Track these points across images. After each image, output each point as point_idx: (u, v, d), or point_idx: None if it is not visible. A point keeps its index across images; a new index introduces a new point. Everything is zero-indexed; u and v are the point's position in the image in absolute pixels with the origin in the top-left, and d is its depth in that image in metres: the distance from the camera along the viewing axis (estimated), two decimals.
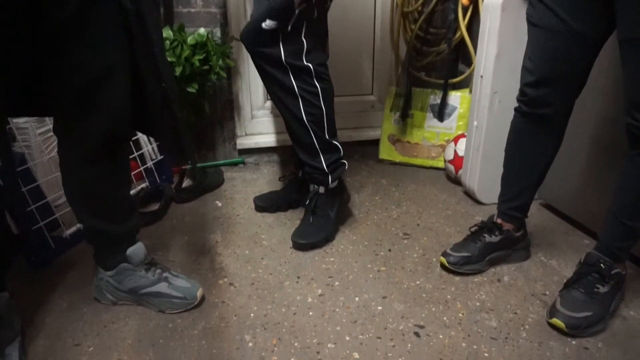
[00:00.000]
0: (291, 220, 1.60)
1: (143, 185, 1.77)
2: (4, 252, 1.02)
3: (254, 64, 1.35)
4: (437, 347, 1.03)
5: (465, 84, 2.03)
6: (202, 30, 1.67)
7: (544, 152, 1.22)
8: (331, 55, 1.47)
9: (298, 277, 1.28)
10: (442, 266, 1.31)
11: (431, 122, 2.05)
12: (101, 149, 0.99)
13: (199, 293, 1.14)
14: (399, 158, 2.11)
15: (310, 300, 1.19)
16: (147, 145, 1.80)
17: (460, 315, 1.13)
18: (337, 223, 1.53)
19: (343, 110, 2.12)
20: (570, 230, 1.54)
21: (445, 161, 1.95)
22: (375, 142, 2.16)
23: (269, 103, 2.11)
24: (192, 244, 1.46)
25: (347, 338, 1.05)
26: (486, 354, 1.01)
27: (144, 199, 1.68)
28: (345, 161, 1.49)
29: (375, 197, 1.79)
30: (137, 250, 1.12)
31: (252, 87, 2.06)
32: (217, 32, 1.87)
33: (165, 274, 1.15)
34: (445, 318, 1.12)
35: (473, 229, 1.35)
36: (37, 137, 1.44)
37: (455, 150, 1.86)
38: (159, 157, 1.83)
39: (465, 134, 1.80)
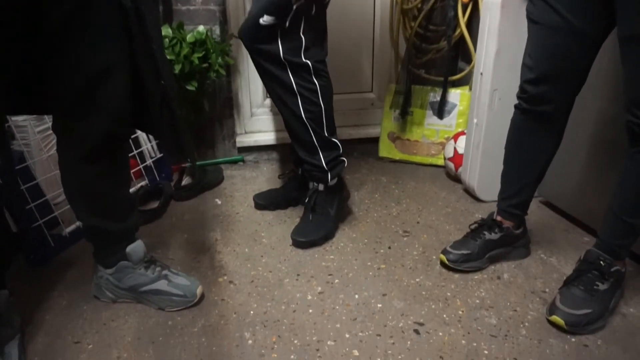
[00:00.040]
0: (291, 218, 1.60)
1: (142, 183, 1.77)
2: (3, 250, 1.02)
3: (252, 61, 1.35)
4: (436, 345, 1.03)
5: (465, 81, 2.02)
6: (201, 28, 1.67)
7: (544, 149, 1.22)
8: (330, 52, 1.46)
9: (298, 275, 1.28)
10: (442, 264, 1.31)
11: (431, 119, 2.04)
12: (101, 148, 0.99)
13: (199, 291, 1.15)
14: (398, 155, 2.11)
15: (310, 297, 1.19)
16: (147, 143, 1.80)
17: (460, 312, 1.13)
18: (337, 221, 1.53)
19: (343, 107, 2.12)
20: (570, 227, 1.54)
21: (445, 159, 1.94)
22: (375, 140, 2.16)
23: (268, 101, 2.10)
24: (191, 241, 1.46)
25: (347, 335, 1.05)
26: (486, 351, 1.01)
27: (143, 196, 1.68)
28: (344, 159, 1.48)
29: (375, 195, 1.79)
30: (136, 248, 1.12)
31: (251, 85, 2.06)
32: (217, 30, 1.87)
33: (164, 272, 1.15)
34: (445, 315, 1.12)
35: (473, 227, 1.35)
36: (36, 135, 1.44)
37: (455, 148, 1.86)
38: (159, 155, 1.83)
39: (465, 131, 1.79)
